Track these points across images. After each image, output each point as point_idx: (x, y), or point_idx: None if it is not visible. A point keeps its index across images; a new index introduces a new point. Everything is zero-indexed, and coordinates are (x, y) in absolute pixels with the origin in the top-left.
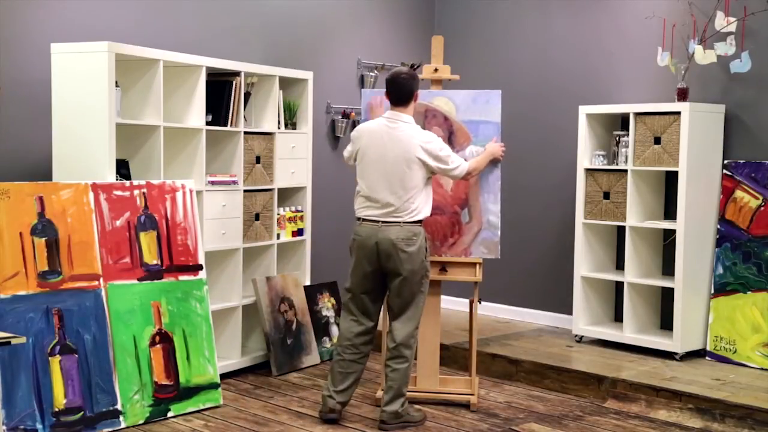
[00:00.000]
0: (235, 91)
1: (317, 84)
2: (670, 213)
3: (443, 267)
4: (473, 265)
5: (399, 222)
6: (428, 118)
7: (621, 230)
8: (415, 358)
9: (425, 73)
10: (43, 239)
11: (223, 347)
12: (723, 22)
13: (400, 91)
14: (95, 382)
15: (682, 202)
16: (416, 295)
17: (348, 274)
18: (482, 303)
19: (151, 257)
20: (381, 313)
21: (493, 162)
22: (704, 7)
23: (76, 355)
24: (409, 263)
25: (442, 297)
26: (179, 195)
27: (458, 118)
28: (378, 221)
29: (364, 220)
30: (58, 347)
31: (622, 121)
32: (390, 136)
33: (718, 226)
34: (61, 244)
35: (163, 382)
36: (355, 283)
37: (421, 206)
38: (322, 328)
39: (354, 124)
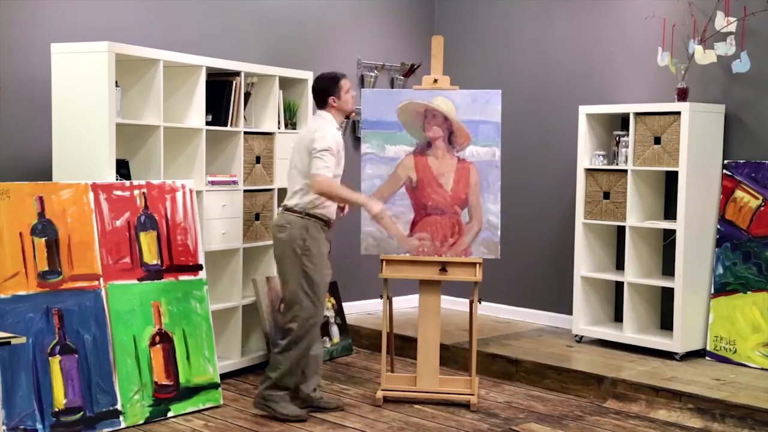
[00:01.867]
0: (235, 91)
1: None
2: (670, 213)
3: (443, 267)
4: (473, 265)
5: (280, 208)
6: (428, 118)
7: (621, 230)
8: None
9: (424, 84)
10: (43, 239)
11: (223, 347)
12: (723, 22)
13: (314, 94)
14: (95, 382)
15: (682, 202)
16: (292, 287)
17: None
18: (482, 303)
19: (151, 257)
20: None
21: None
22: (704, 7)
23: (76, 355)
24: (277, 249)
25: (442, 297)
26: (179, 195)
27: (458, 118)
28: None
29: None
30: (58, 347)
31: (622, 121)
32: (304, 130)
33: (718, 226)
34: (61, 244)
35: (163, 382)
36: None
37: (303, 196)
38: (321, 328)
39: (354, 124)
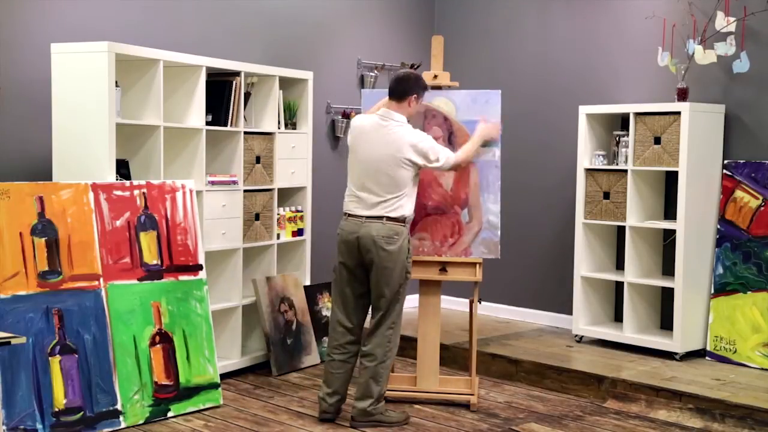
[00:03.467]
0: (235, 91)
1: (317, 84)
2: (670, 213)
3: (443, 267)
4: (473, 265)
5: (381, 219)
6: (428, 119)
7: (621, 230)
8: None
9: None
10: (43, 239)
11: (223, 347)
12: (723, 22)
13: (397, 85)
14: (95, 382)
15: (682, 202)
16: (393, 296)
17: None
18: (482, 303)
19: (151, 257)
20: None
21: (487, 144)
22: (704, 7)
23: (76, 355)
24: (388, 261)
25: (442, 297)
26: (179, 195)
27: (458, 118)
28: (362, 217)
29: (349, 215)
30: (58, 347)
31: (622, 121)
32: (380, 134)
33: (718, 226)
34: (61, 244)
35: (163, 382)
36: (339, 281)
37: (405, 205)
38: (322, 328)
39: None
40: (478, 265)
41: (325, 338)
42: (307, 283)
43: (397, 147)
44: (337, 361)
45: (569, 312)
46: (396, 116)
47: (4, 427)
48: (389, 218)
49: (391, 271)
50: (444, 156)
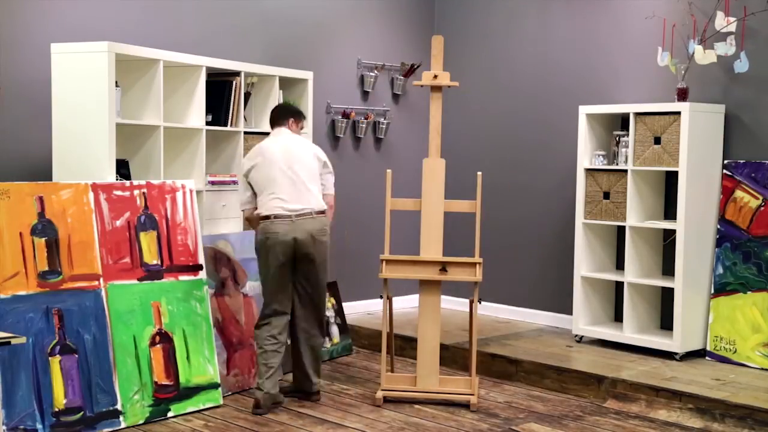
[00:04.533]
0: (235, 91)
1: (317, 84)
2: (670, 213)
3: (443, 267)
4: (473, 265)
5: (311, 214)
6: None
7: (621, 230)
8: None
9: (425, 80)
10: (43, 239)
11: None
12: (723, 22)
13: (283, 110)
14: (95, 382)
15: (682, 202)
16: (321, 280)
17: (263, 274)
18: (482, 303)
19: (151, 257)
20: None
21: None
22: (704, 7)
23: (76, 355)
24: (322, 252)
25: (442, 297)
26: (179, 195)
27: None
28: (290, 216)
29: (275, 216)
30: (58, 347)
31: (622, 121)
32: (288, 143)
33: (718, 226)
34: (61, 244)
35: (163, 382)
36: (273, 278)
37: (320, 197)
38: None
39: (354, 124)
40: (478, 265)
41: (325, 338)
42: None
43: (307, 146)
44: (270, 352)
45: (569, 312)
46: (285, 131)
47: (4, 427)
48: (317, 212)
49: (323, 261)
50: (333, 176)
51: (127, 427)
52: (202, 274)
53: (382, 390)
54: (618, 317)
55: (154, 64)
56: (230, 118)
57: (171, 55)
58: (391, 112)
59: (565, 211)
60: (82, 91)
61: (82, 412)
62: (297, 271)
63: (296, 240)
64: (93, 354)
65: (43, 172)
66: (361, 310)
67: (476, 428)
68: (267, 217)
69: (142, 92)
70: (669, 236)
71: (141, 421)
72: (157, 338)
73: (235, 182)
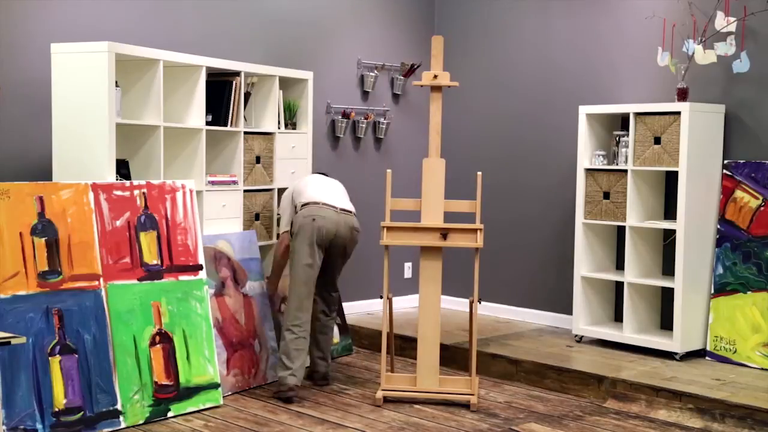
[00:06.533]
0: (235, 91)
1: (317, 84)
2: (670, 213)
3: (444, 234)
4: (474, 231)
5: (352, 213)
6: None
7: (621, 230)
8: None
9: (424, 80)
10: (43, 239)
11: None
12: (723, 22)
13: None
14: (95, 382)
15: (682, 202)
16: (340, 271)
17: (299, 253)
18: (482, 303)
19: (151, 257)
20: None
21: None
22: (704, 7)
23: (76, 355)
24: (352, 248)
25: (442, 297)
26: (179, 195)
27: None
28: (335, 208)
29: (323, 204)
30: (58, 347)
31: (622, 121)
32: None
33: (718, 226)
34: (61, 244)
35: (163, 382)
36: (311, 258)
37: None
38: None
39: (354, 124)
40: (479, 231)
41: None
42: None
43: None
44: (301, 338)
45: (569, 312)
46: None
47: (4, 427)
48: (349, 211)
49: (349, 255)
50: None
51: (127, 427)
52: (202, 274)
53: (382, 390)
54: (618, 317)
55: (154, 64)
56: (230, 118)
57: (171, 55)
58: (391, 112)
59: (565, 211)
60: (82, 91)
61: (82, 412)
62: (325, 261)
63: (338, 231)
64: (93, 354)
65: (43, 172)
66: (361, 310)
67: (476, 428)
68: (315, 203)
69: (142, 92)
70: (669, 236)
71: (141, 421)
72: (157, 338)
73: (235, 182)
